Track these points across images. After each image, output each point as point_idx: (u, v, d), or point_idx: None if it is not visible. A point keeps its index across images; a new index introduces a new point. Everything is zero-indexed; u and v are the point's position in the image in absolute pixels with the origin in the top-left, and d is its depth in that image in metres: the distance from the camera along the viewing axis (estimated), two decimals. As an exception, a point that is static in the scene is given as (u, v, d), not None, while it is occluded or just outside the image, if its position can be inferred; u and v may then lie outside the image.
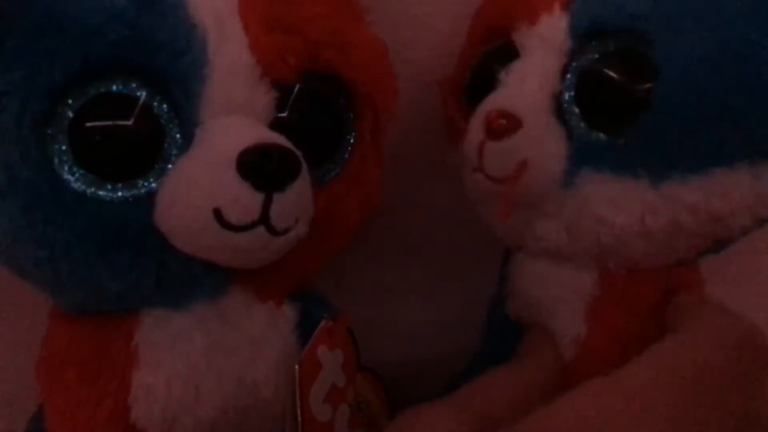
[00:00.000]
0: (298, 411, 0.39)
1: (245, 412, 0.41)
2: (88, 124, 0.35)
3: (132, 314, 0.39)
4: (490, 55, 0.46)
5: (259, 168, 0.34)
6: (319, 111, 0.41)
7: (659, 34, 0.38)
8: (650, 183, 0.39)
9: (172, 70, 0.35)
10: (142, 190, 0.35)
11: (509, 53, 0.43)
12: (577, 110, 0.41)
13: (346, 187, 0.42)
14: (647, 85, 0.38)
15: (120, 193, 0.35)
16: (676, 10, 0.38)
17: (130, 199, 0.35)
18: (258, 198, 0.35)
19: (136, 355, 0.39)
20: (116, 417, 0.39)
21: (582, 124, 0.41)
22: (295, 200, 0.36)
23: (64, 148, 0.34)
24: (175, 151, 0.36)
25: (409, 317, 0.63)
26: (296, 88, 0.39)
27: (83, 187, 0.35)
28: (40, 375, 0.41)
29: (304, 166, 0.36)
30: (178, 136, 0.36)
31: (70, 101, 0.34)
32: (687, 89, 0.37)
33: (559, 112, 0.41)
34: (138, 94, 0.35)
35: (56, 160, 0.34)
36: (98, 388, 0.39)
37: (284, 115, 0.39)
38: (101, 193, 0.35)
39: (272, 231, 0.36)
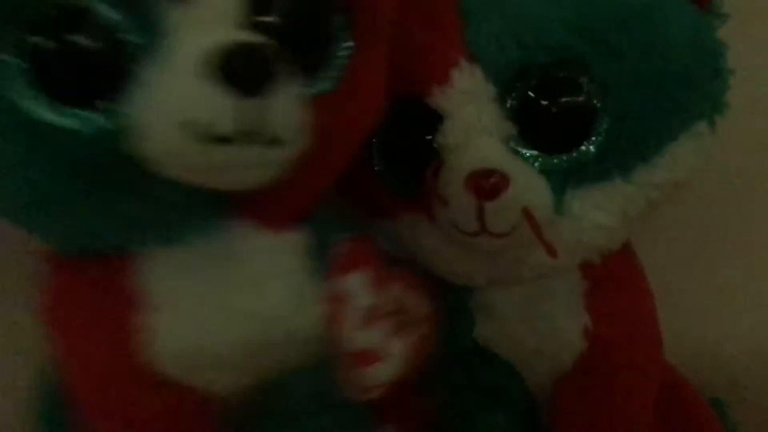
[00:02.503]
0: (337, 356, 0.40)
1: (263, 345, 0.40)
2: (44, 45, 0.32)
3: (131, 254, 0.38)
4: (401, 121, 0.46)
5: (232, 69, 0.31)
6: (307, 14, 0.38)
7: (590, 55, 0.41)
8: (623, 178, 0.44)
9: None
10: (113, 115, 0.33)
11: (425, 116, 0.44)
12: (529, 146, 0.43)
13: (347, 95, 0.39)
14: (590, 102, 0.42)
15: (88, 120, 0.33)
16: (598, 29, 0.41)
17: (101, 127, 0.33)
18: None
19: (139, 296, 0.38)
20: (125, 359, 0.38)
21: (540, 157, 0.43)
22: (280, 104, 0.33)
23: (21, 72, 0.32)
24: (142, 69, 0.33)
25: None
26: None
27: (46, 116, 0.32)
28: (46, 324, 0.41)
29: (289, 67, 0.33)
30: (143, 53, 0.33)
31: (24, 21, 0.32)
32: (628, 94, 0.42)
33: (516, 152, 0.43)
34: (96, 7, 0.32)
35: (14, 91, 0.32)
36: (104, 331, 0.38)
37: (267, 18, 0.36)
38: (67, 121, 0.32)
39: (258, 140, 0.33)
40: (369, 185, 0.49)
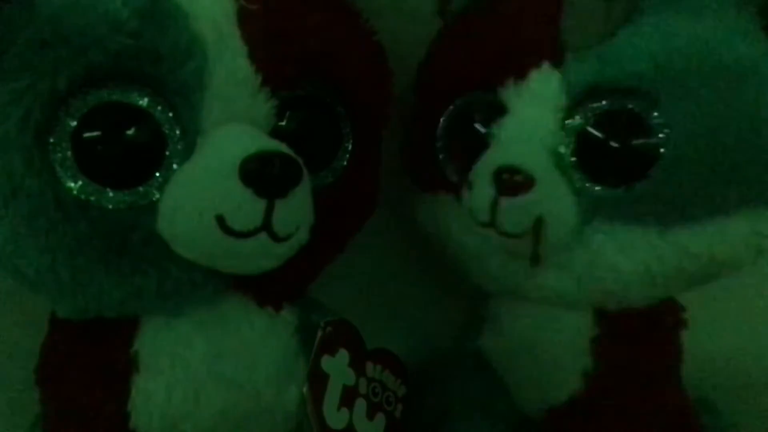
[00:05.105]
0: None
1: (246, 417, 0.41)
2: (90, 133, 0.35)
3: (132, 320, 0.40)
4: (470, 108, 0.45)
5: (262, 175, 0.35)
6: (317, 119, 0.42)
7: (665, 94, 0.39)
8: (658, 231, 0.41)
9: (173, 80, 0.35)
10: (145, 198, 0.36)
11: (492, 107, 0.43)
12: (579, 167, 0.41)
13: (344, 194, 0.43)
14: (653, 143, 0.39)
15: (122, 201, 0.36)
16: (681, 70, 0.39)
17: (133, 207, 0.36)
18: (260, 204, 0.35)
19: (136, 361, 0.39)
20: (115, 423, 0.39)
21: (585, 180, 0.41)
22: (296, 207, 0.37)
23: (66, 156, 0.35)
24: (177, 159, 0.36)
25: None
26: (295, 97, 0.39)
27: (86, 194, 0.35)
28: (40, 381, 0.41)
29: (305, 172, 0.37)
30: (179, 144, 0.36)
31: (72, 110, 0.34)
32: (693, 146, 0.39)
33: (561, 168, 0.41)
34: (139, 102, 0.35)
35: (59, 169, 0.35)
36: (97, 394, 0.39)
37: (283, 123, 0.39)
38: (103, 200, 0.35)
39: (274, 237, 0.36)
40: (426, 155, 0.49)
